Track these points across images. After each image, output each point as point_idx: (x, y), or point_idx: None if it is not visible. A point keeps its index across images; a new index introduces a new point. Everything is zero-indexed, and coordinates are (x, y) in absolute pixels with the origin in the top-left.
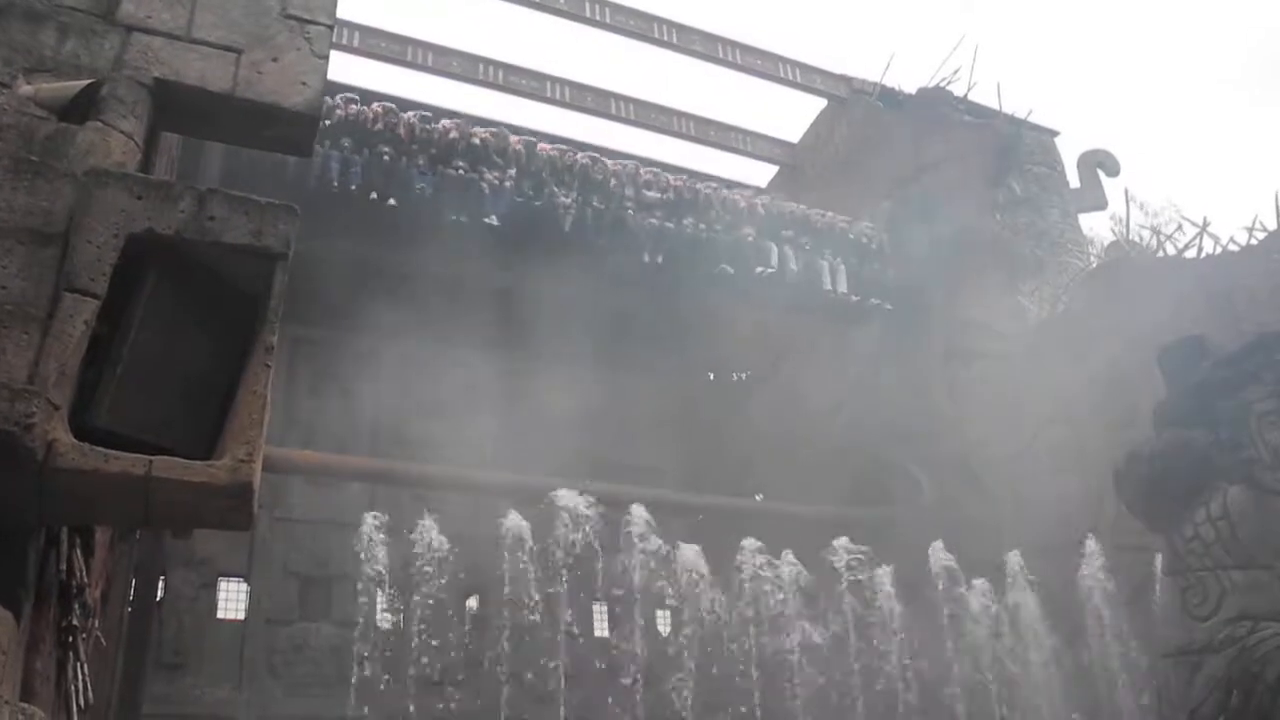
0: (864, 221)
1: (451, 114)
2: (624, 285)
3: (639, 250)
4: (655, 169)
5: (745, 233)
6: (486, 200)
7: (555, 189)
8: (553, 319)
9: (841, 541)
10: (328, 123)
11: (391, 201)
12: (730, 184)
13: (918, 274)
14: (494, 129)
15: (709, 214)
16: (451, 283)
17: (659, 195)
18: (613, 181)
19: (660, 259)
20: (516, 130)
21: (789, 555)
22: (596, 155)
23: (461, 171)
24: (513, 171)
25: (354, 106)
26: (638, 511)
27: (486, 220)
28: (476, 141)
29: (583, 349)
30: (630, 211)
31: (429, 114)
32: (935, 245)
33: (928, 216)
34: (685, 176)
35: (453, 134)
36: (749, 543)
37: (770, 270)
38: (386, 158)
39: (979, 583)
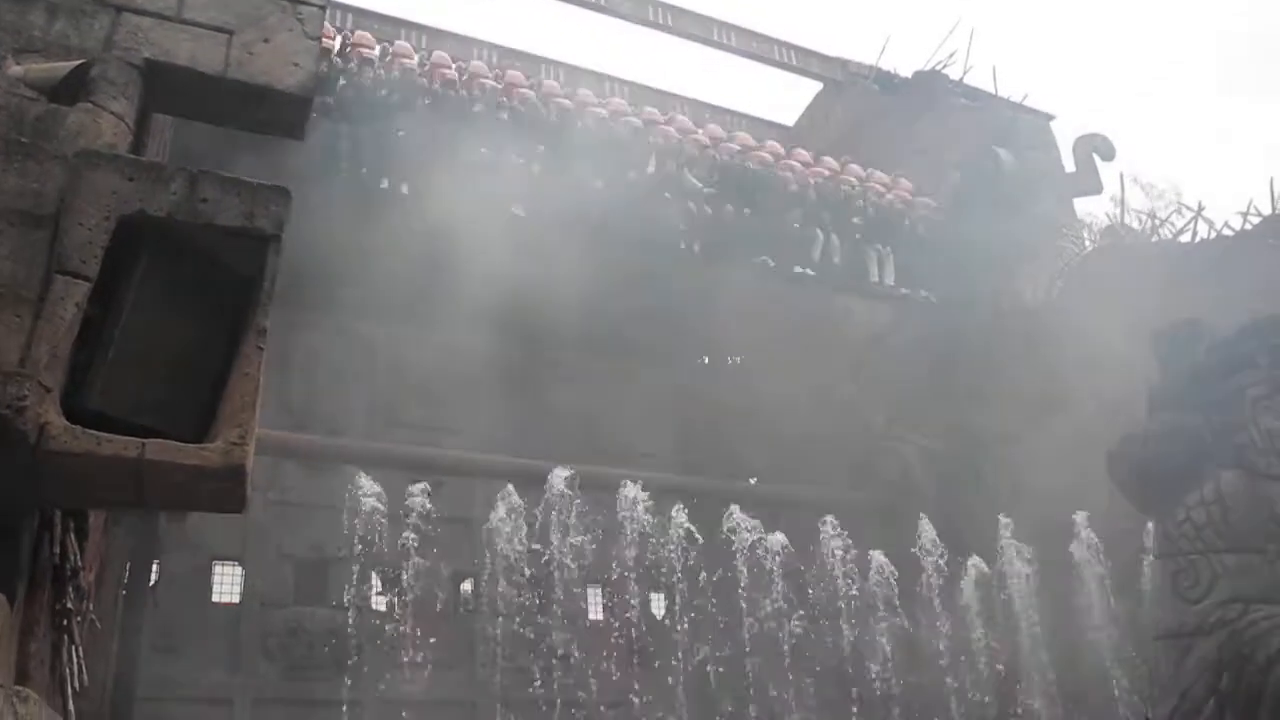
0: (924, 197)
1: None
2: (643, 273)
3: (673, 240)
4: (701, 142)
5: (791, 219)
6: (510, 184)
7: (588, 166)
8: (556, 306)
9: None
10: (342, 82)
11: (405, 189)
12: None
13: (973, 261)
14: (526, 94)
15: (754, 196)
16: (453, 267)
17: (701, 183)
18: (653, 162)
19: (696, 248)
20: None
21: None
22: (640, 124)
23: (484, 151)
24: (542, 149)
25: (370, 73)
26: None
27: (512, 210)
28: (505, 116)
29: (581, 334)
30: (668, 195)
31: (454, 78)
32: (998, 231)
33: (997, 194)
34: (736, 150)
35: (478, 107)
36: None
37: (810, 273)
38: (401, 133)
39: (972, 565)
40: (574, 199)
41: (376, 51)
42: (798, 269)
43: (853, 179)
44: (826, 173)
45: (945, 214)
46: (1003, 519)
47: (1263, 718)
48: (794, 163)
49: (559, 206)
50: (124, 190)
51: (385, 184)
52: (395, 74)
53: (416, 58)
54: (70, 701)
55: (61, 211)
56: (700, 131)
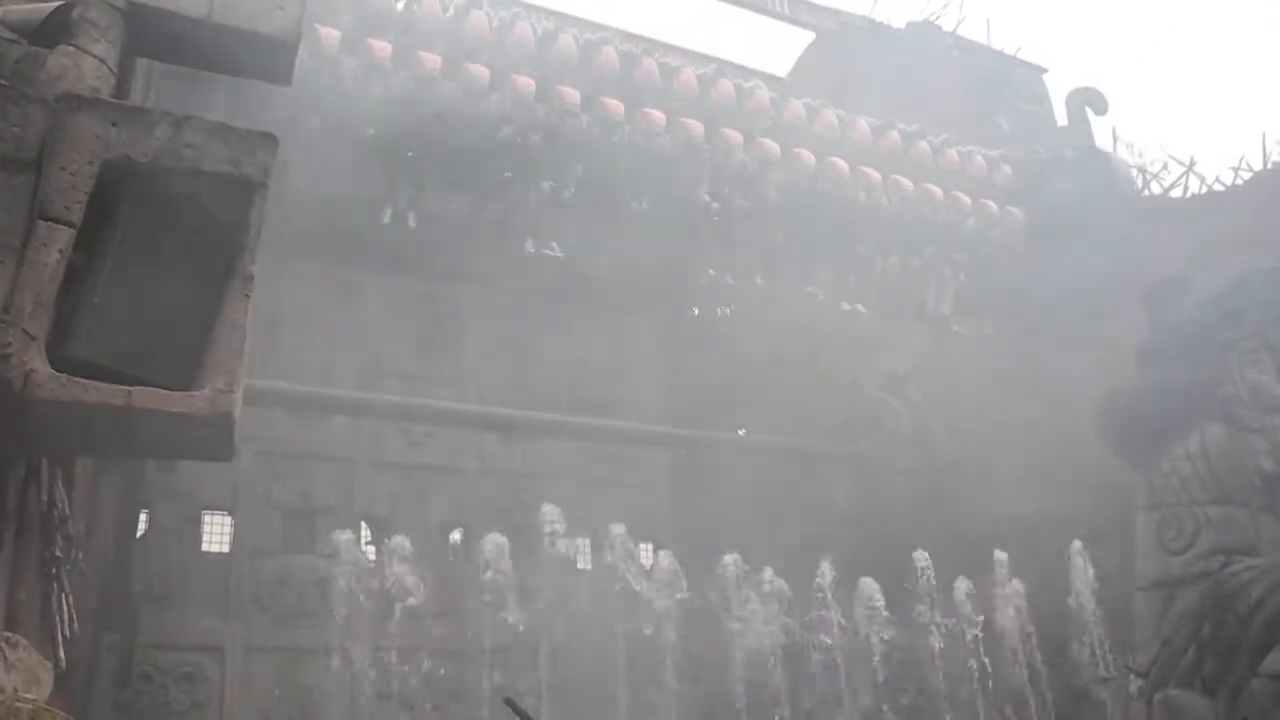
0: (1014, 207)
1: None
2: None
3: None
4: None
5: (850, 243)
6: (536, 215)
7: (630, 190)
8: (547, 257)
9: None
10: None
11: (411, 222)
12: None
13: (1056, 291)
14: (569, 97)
15: (820, 213)
16: (444, 221)
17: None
18: (706, 184)
19: (730, 277)
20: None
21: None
22: (701, 130)
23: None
24: (580, 170)
25: (381, 82)
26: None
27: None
28: (536, 140)
29: (570, 285)
30: (716, 219)
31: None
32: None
33: (1103, 207)
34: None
35: (506, 129)
36: None
37: (861, 309)
38: (410, 153)
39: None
40: (609, 228)
41: (390, 50)
42: (845, 306)
43: (937, 192)
44: (910, 185)
45: (1032, 231)
46: (988, 485)
47: (1242, 666)
48: (871, 172)
49: (590, 237)
50: (107, 135)
51: (388, 218)
52: (410, 83)
53: (440, 58)
54: (60, 648)
55: (43, 156)
56: (774, 119)
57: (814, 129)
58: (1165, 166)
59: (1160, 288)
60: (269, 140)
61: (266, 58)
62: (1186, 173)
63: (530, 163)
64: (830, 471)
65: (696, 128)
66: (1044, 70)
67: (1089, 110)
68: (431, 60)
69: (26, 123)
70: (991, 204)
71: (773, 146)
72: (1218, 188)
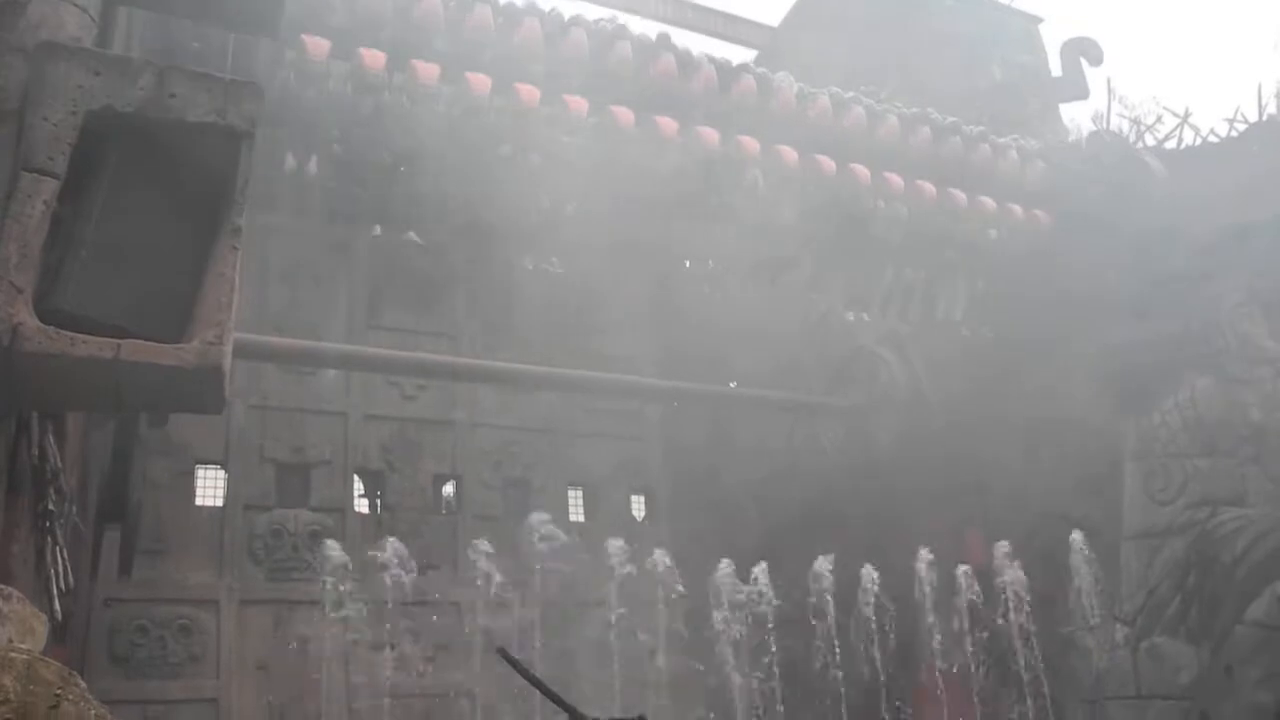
0: (1040, 210)
1: None
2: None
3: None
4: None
5: (867, 258)
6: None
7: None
8: (534, 208)
9: None
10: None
11: (414, 237)
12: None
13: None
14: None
15: (832, 224)
16: (432, 170)
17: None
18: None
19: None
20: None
21: None
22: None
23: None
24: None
25: (372, 101)
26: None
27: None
28: (536, 159)
29: (559, 234)
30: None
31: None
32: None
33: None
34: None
35: (505, 148)
36: None
37: (866, 318)
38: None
39: None
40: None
41: (382, 64)
42: (850, 316)
43: (961, 197)
44: (933, 191)
45: (1059, 237)
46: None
47: (1227, 614)
48: (894, 178)
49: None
50: (90, 85)
51: (378, 230)
52: (405, 101)
53: (438, 69)
54: (56, 602)
55: (25, 106)
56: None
57: (841, 125)
58: (1159, 119)
59: (1152, 239)
60: (255, 90)
61: (253, 6)
62: (1181, 125)
63: (530, 180)
64: (822, 425)
65: (711, 135)
66: (1039, 20)
67: (1084, 61)
68: (429, 76)
69: (7, 72)
70: (1017, 208)
71: (791, 154)
72: (1212, 140)
